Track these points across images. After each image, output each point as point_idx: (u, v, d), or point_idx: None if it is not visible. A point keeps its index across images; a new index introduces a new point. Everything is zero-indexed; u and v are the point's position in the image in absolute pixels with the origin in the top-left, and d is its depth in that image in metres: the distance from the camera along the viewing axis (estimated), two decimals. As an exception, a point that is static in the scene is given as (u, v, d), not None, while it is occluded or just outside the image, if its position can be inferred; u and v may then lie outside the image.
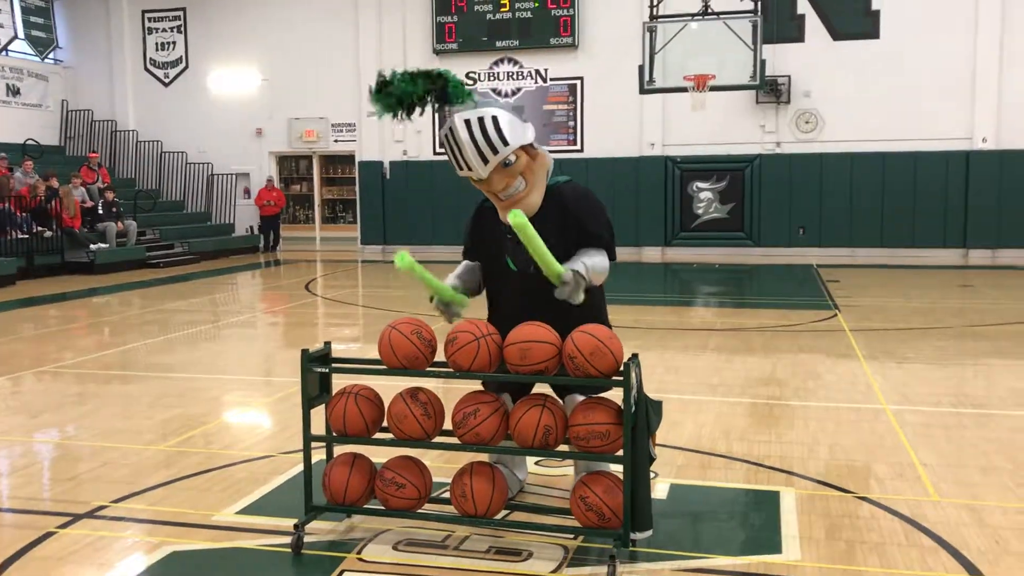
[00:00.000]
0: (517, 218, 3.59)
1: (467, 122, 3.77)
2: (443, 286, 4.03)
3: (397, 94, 3.83)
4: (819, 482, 4.73)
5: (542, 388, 4.13)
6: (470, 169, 3.82)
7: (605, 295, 4.28)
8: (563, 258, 3.88)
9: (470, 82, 4.01)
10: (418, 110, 3.88)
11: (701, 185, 19.52)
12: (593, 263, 3.87)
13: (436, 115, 20.60)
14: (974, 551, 3.83)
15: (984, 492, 4.57)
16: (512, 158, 3.83)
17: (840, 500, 4.46)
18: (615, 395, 3.72)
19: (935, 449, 5.30)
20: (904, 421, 5.92)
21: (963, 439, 5.52)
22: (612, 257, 4.03)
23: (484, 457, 4.17)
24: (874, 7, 18.47)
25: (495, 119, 3.78)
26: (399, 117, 3.89)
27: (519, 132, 3.85)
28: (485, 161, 3.78)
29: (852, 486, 4.66)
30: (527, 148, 3.90)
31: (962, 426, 5.83)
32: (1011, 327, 9.91)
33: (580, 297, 3.79)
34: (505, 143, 3.79)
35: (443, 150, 3.92)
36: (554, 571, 3.65)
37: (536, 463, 4.91)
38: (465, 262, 4.31)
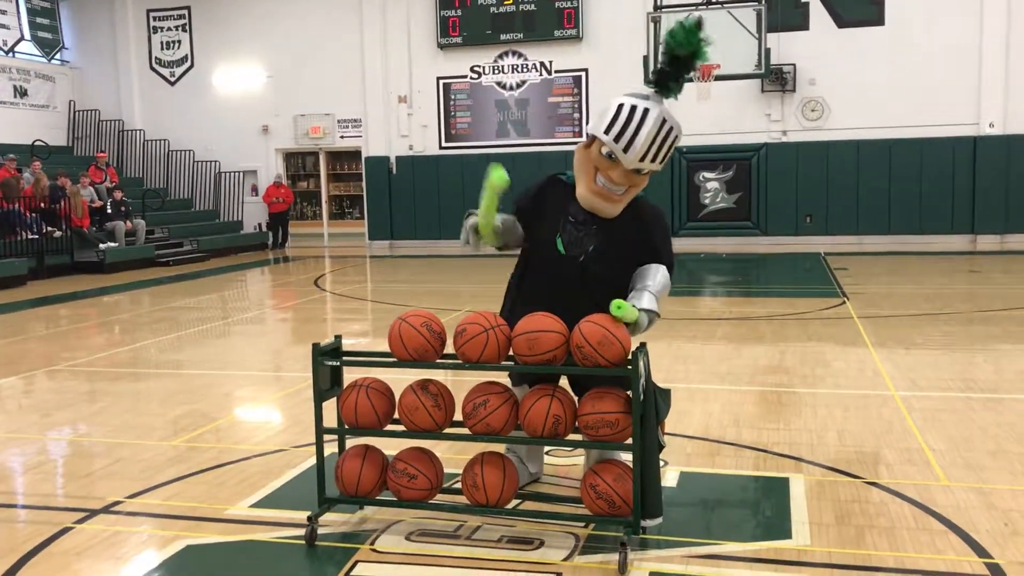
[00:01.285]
0: (625, 316, 3.67)
1: (663, 123, 3.80)
2: (492, 218, 3.94)
3: (697, 41, 3.85)
4: (828, 468, 4.75)
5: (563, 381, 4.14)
6: (625, 150, 3.79)
7: None
8: (621, 265, 3.98)
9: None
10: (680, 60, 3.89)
11: (708, 175, 19.50)
12: (658, 288, 3.92)
13: (440, 109, 20.65)
14: (984, 534, 3.84)
15: (993, 476, 4.58)
16: (645, 171, 3.89)
17: (849, 485, 4.48)
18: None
19: (944, 434, 5.31)
20: (912, 407, 5.93)
21: (972, 423, 5.53)
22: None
23: (497, 447, 4.20)
24: (878, -7, 18.42)
25: (675, 139, 3.86)
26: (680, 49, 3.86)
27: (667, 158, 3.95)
28: (642, 159, 3.81)
29: (861, 472, 4.68)
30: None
31: (971, 410, 5.84)
32: (1020, 312, 9.90)
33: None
34: (662, 161, 3.88)
35: (611, 113, 3.83)
36: (566, 559, 3.68)
37: (546, 452, 4.94)
38: (510, 216, 4.16)
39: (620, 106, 3.83)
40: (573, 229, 3.99)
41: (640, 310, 3.77)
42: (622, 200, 3.95)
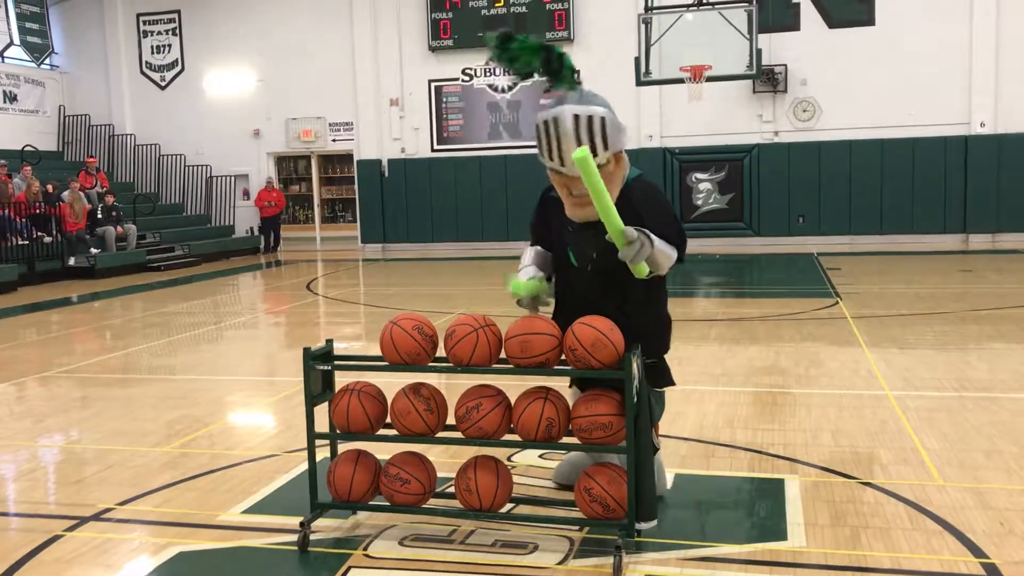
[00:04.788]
0: (581, 153, 3.43)
1: (576, 117, 3.69)
2: (542, 286, 3.96)
3: (515, 51, 3.77)
4: (823, 469, 4.73)
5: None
6: (562, 163, 3.72)
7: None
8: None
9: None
10: (527, 75, 3.85)
11: (700, 176, 19.52)
12: (659, 240, 3.72)
13: (432, 112, 20.63)
14: (979, 534, 3.83)
15: (988, 475, 4.57)
16: (603, 161, 3.72)
17: (844, 486, 4.47)
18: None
19: (938, 433, 5.30)
20: (907, 406, 5.92)
21: (966, 423, 5.52)
22: (681, 259, 3.94)
23: (490, 451, 4.18)
24: (869, -6, 18.47)
25: (603, 120, 3.71)
26: (509, 70, 3.81)
27: (617, 138, 3.77)
28: None
29: (856, 472, 4.66)
30: (616, 153, 3.83)
31: (965, 410, 5.83)
32: (1013, 311, 9.91)
33: (643, 266, 3.62)
34: (606, 147, 3.71)
35: (535, 136, 3.78)
36: (560, 563, 3.66)
37: (540, 456, 4.92)
38: (536, 248, 4.21)
39: (536, 127, 3.77)
40: (575, 239, 3.97)
41: (635, 228, 3.56)
42: None
